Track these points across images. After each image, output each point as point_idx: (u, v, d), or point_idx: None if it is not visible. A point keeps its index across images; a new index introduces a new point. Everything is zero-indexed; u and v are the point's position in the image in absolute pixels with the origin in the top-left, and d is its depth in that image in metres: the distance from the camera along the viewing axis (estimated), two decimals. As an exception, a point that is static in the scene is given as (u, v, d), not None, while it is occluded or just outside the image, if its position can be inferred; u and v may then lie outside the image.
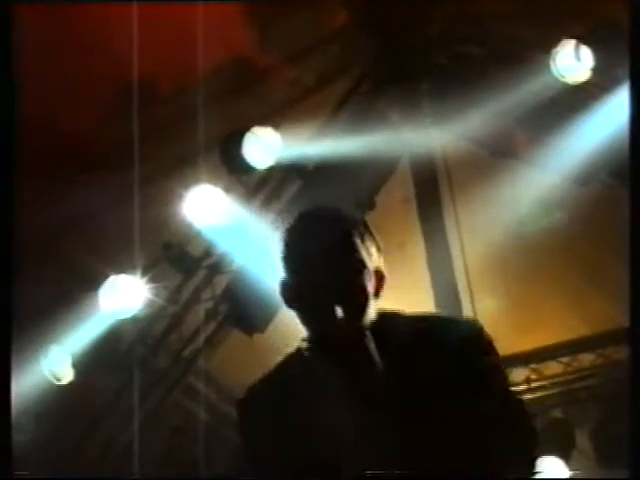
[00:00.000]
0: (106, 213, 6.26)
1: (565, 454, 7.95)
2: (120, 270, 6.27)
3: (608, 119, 5.44)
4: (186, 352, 6.81)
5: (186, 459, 7.01)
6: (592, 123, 5.47)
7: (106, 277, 6.28)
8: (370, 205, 5.97)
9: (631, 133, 2.62)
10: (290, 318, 6.80)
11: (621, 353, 8.06)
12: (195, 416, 7.08)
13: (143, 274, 6.34)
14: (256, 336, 6.43)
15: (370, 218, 6.25)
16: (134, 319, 6.45)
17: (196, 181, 6.16)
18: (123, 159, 5.73)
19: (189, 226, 6.36)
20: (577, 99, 5.52)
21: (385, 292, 3.09)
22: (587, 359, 8.17)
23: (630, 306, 2.42)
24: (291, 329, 6.95)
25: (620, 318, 7.66)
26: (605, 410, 8.09)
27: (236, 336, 6.70)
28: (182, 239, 6.47)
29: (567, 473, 7.91)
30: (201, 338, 6.66)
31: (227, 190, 6.25)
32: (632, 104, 2.66)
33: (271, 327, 6.20)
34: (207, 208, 6.19)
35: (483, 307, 5.24)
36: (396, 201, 6.17)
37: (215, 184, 6.20)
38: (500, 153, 5.86)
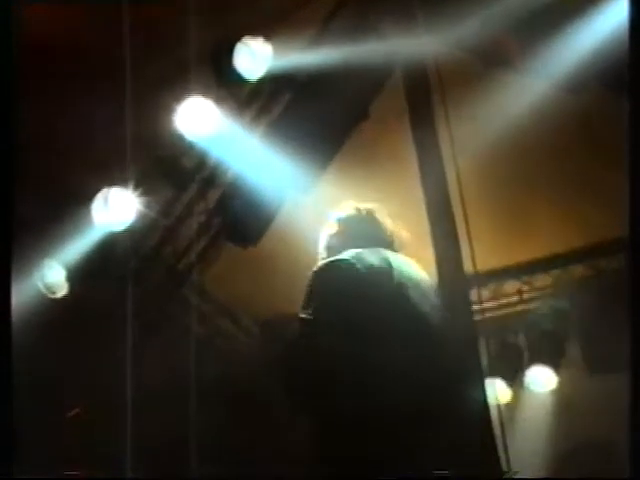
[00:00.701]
0: (98, 126, 6.22)
1: (555, 363, 8.10)
2: (112, 183, 6.26)
3: (602, 27, 5.38)
4: (180, 265, 6.86)
5: (179, 370, 7.12)
6: (585, 31, 5.41)
7: (99, 190, 6.27)
8: (364, 116, 5.93)
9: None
10: (283, 231, 6.80)
11: (612, 264, 8.16)
12: (188, 328, 7.17)
13: (135, 187, 6.34)
14: (249, 249, 6.46)
15: (364, 129, 6.21)
16: (127, 232, 6.46)
17: (187, 93, 6.10)
18: (114, 72, 5.66)
19: (181, 139, 6.33)
20: (571, 6, 5.45)
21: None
22: (578, 270, 8.27)
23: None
24: (284, 242, 6.96)
25: (611, 229, 7.72)
26: (594, 320, 8.22)
27: (229, 249, 6.74)
28: (174, 152, 6.44)
29: (556, 381, 8.08)
30: (194, 251, 6.71)
31: (218, 102, 6.19)
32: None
33: (264, 240, 6.23)
34: (199, 121, 6.15)
35: (475, 219, 5.24)
36: (389, 112, 6.11)
37: (206, 96, 6.14)
38: (493, 62, 5.81)
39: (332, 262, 3.14)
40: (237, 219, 6.16)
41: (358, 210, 3.44)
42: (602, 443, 7.06)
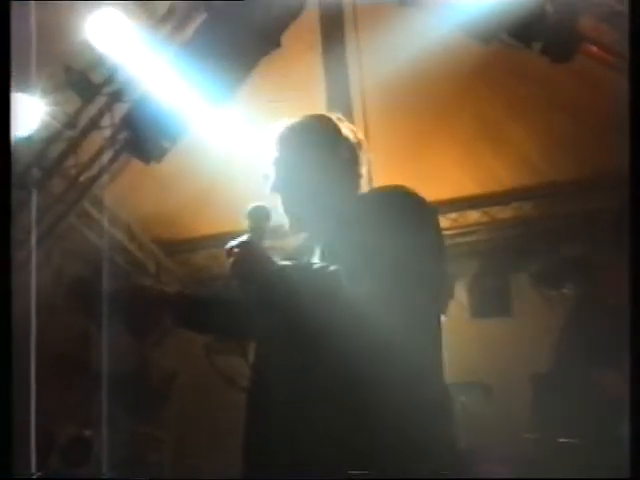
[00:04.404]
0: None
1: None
2: (18, 89, 6.15)
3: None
4: (82, 178, 6.82)
5: (75, 278, 7.16)
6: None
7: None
8: (276, 43, 5.97)
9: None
10: (187, 149, 6.81)
11: (505, 213, 8.46)
12: (87, 240, 7.18)
13: (42, 96, 6.26)
14: (153, 167, 6.47)
15: (274, 56, 6.25)
16: (30, 140, 6.39)
17: (101, 4, 6.02)
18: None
19: (92, 51, 6.25)
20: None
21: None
22: (473, 216, 8.53)
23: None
24: (187, 160, 6.99)
25: (508, 180, 7.98)
26: (483, 264, 8.54)
27: (133, 165, 6.74)
28: (83, 63, 6.37)
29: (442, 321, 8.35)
30: (97, 165, 6.68)
31: (133, 17, 6.13)
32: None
33: (168, 157, 6.25)
34: (111, 34, 6.07)
35: (377, 153, 5.37)
36: (301, 41, 6.17)
37: (121, 9, 6.07)
38: (408, 1, 5.92)
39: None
40: (142, 135, 6.14)
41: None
42: (475, 381, 7.38)
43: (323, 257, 2.50)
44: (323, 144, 2.64)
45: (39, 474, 4.72)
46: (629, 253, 2.40)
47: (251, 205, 2.52)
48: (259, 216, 2.50)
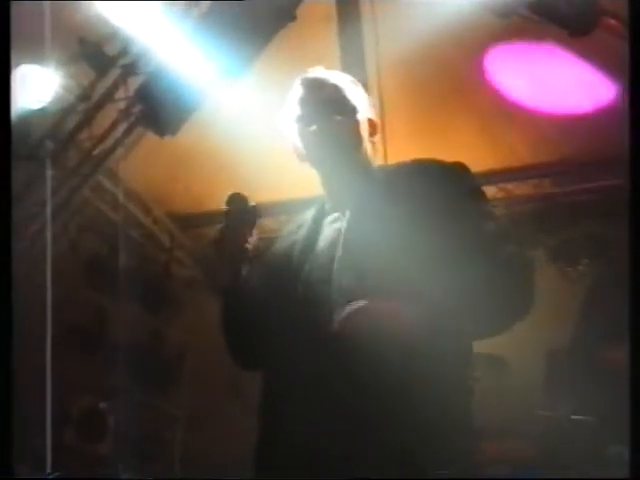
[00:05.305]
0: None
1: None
2: (32, 61, 6.13)
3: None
4: (96, 151, 6.80)
5: (91, 253, 7.17)
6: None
7: (17, 67, 6.13)
8: (290, 17, 5.92)
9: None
10: (202, 122, 6.77)
11: (522, 189, 8.40)
12: (102, 214, 7.17)
13: (56, 68, 6.23)
14: (168, 140, 6.44)
15: (289, 31, 6.21)
16: (44, 112, 6.37)
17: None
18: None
19: (106, 23, 6.22)
20: None
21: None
22: (490, 192, 8.47)
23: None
24: (202, 133, 6.96)
25: (525, 156, 7.91)
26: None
27: (147, 138, 6.71)
28: (98, 36, 6.34)
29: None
30: (112, 138, 6.66)
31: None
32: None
33: (183, 130, 6.22)
34: (126, 5, 6.04)
35: (392, 127, 5.33)
36: (316, 16, 6.12)
37: (135, -19, 6.02)
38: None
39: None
40: (157, 107, 6.11)
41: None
42: (491, 356, 7.35)
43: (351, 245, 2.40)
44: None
45: (57, 474, 4.70)
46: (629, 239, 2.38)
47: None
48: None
